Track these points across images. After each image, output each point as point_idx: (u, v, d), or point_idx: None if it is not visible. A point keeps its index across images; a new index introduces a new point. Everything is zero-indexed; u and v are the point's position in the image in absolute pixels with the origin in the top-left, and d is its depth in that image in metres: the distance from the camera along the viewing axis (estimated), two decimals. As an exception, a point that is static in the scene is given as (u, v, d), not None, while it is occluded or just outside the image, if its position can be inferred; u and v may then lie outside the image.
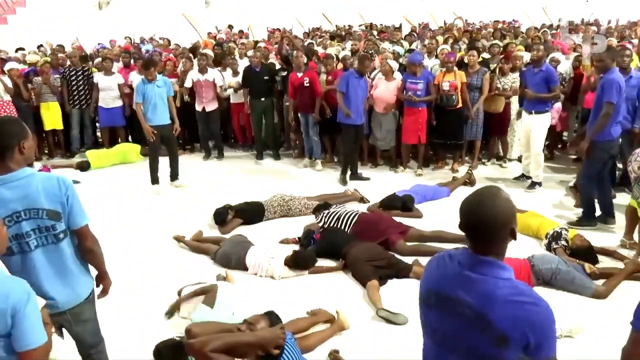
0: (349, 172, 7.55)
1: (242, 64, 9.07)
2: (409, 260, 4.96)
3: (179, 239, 5.61)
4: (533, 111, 6.76)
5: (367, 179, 7.60)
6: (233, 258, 5.03)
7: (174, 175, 7.52)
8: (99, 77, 9.01)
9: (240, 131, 9.56)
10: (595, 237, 5.27)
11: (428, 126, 7.64)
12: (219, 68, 9.03)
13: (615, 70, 5.47)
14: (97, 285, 2.92)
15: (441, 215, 6.02)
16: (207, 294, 4.11)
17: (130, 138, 9.57)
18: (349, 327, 4.03)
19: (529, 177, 7.11)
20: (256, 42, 11.71)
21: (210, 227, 5.96)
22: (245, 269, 4.95)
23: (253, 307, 4.29)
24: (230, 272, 4.81)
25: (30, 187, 2.49)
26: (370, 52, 8.53)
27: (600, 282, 4.51)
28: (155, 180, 7.35)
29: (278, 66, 8.90)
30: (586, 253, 4.86)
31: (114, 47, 13.12)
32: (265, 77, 8.47)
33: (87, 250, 2.71)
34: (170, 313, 4.23)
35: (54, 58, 9.42)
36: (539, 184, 6.93)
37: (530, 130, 6.85)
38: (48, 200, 2.51)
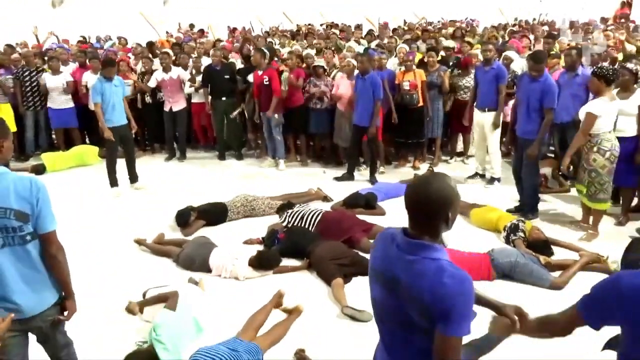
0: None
1: (204, 63, 8.95)
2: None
3: (140, 242, 5.51)
4: (486, 109, 6.91)
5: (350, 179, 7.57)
6: (196, 260, 4.98)
7: (132, 177, 7.37)
8: (46, 77, 8.69)
9: (202, 131, 9.45)
10: (552, 229, 5.44)
11: (390, 125, 7.72)
12: (179, 67, 8.88)
13: (547, 73, 5.81)
14: (62, 310, 2.76)
15: (404, 212, 6.07)
16: (169, 298, 4.05)
17: (87, 140, 9.33)
18: (303, 309, 4.18)
19: (482, 175, 7.26)
20: (216, 41, 11.61)
21: (172, 229, 5.87)
22: (209, 270, 4.90)
23: (217, 309, 4.28)
24: (203, 279, 4.74)
25: (0, 186, 2.45)
26: (332, 49, 8.57)
27: (556, 273, 4.67)
28: (114, 182, 7.19)
29: (240, 65, 8.85)
30: (543, 245, 5.03)
31: (71, 46, 12.76)
32: (226, 76, 8.40)
33: (51, 256, 2.62)
34: (129, 310, 4.17)
35: (5, 57, 9.09)
36: (498, 179, 7.10)
37: (484, 128, 7.01)
38: (17, 200, 2.46)
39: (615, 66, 6.41)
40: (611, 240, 5.36)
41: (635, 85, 5.60)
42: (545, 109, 5.65)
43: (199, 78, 8.63)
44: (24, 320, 2.58)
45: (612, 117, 5.34)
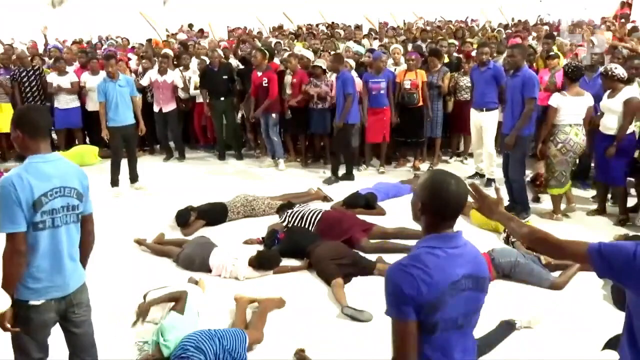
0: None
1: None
2: (372, 257, 5.01)
3: (140, 242, 5.51)
4: (484, 109, 6.92)
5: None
6: (196, 260, 4.97)
7: (133, 177, 7.37)
8: (52, 77, 8.72)
9: (202, 131, 9.45)
10: (551, 229, 5.43)
11: (391, 124, 7.73)
12: (181, 67, 8.88)
13: (526, 67, 5.92)
14: None
15: (404, 212, 6.06)
16: (177, 300, 4.04)
17: (87, 140, 9.33)
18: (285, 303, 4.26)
19: (482, 175, 7.27)
20: (219, 41, 11.62)
21: (172, 229, 5.87)
22: (209, 270, 4.90)
23: (217, 310, 4.28)
24: (203, 278, 4.73)
25: (66, 167, 2.73)
26: (329, 51, 8.58)
27: (556, 273, 4.66)
28: (115, 182, 7.19)
29: (240, 65, 8.85)
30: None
31: (70, 46, 12.75)
32: (224, 77, 8.38)
33: (89, 232, 2.90)
34: (142, 313, 4.15)
35: (4, 58, 9.08)
36: (494, 180, 7.10)
37: (481, 128, 7.02)
38: (78, 182, 2.74)
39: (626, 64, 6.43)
40: (610, 241, 5.37)
41: (621, 85, 5.61)
42: (525, 99, 5.68)
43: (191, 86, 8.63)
44: (58, 300, 2.72)
45: (571, 111, 5.63)
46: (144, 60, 9.05)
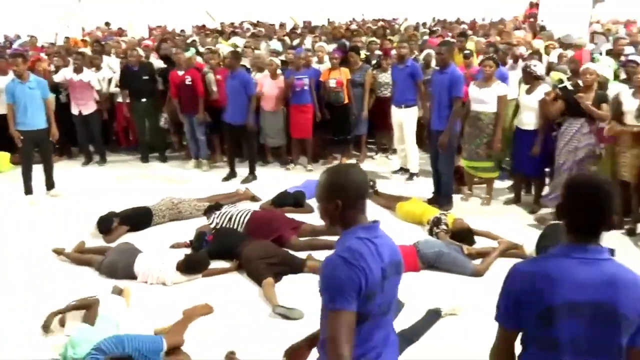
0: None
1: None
2: (302, 255, 5.03)
3: (58, 252, 5.22)
4: (403, 105, 7.12)
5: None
6: (120, 267, 4.79)
7: (49, 185, 6.97)
8: None
9: (124, 133, 9.10)
10: (472, 219, 5.68)
11: (318, 122, 7.77)
12: (93, 69, 8.44)
13: (454, 65, 6.11)
14: None
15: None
16: (88, 309, 3.87)
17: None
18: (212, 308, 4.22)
19: (406, 170, 7.48)
20: (140, 40, 11.22)
21: (93, 237, 5.60)
22: (134, 277, 4.73)
23: (143, 318, 4.14)
24: (127, 285, 4.55)
25: None
26: (252, 47, 8.54)
27: (478, 261, 4.89)
28: (28, 190, 6.78)
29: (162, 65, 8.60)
30: (466, 234, 5.26)
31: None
32: (145, 77, 8.11)
33: None
34: (46, 327, 3.94)
35: None
36: (416, 174, 7.33)
37: (402, 124, 7.21)
38: None
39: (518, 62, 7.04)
40: (526, 228, 5.70)
41: (538, 81, 5.95)
42: (453, 99, 5.89)
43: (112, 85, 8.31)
44: None
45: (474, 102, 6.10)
46: (55, 58, 8.58)
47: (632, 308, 1.72)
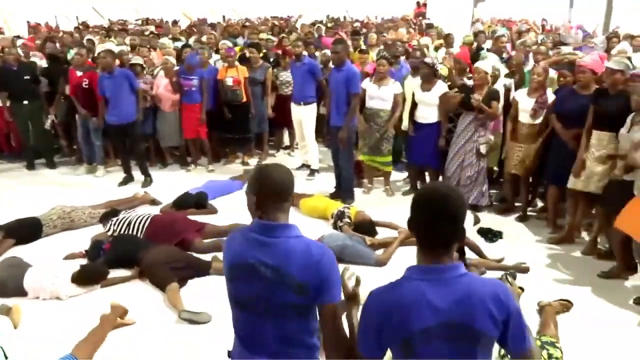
0: None
1: None
2: (207, 257, 4.94)
3: None
4: (302, 102, 7.21)
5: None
6: (9, 284, 4.41)
7: None
8: None
9: (5, 139, 8.37)
10: (373, 212, 5.88)
11: (216, 122, 7.64)
12: None
13: (350, 63, 6.32)
14: None
15: (236, 209, 6.08)
16: None
17: None
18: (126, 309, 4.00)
19: (308, 166, 7.59)
20: (15, 38, 10.37)
21: (-26, 253, 5.13)
22: (25, 294, 4.39)
23: (36, 336, 3.86)
24: (17, 303, 4.20)
25: None
26: (147, 46, 8.22)
27: (380, 251, 5.08)
28: None
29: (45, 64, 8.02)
30: (368, 226, 5.44)
31: None
32: (26, 77, 7.50)
33: None
34: None
35: None
36: (317, 170, 7.45)
37: (301, 121, 7.31)
38: None
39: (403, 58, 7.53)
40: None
41: (435, 78, 6.27)
42: (350, 95, 6.05)
43: None
44: None
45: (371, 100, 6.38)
46: None
47: (488, 323, 1.68)
